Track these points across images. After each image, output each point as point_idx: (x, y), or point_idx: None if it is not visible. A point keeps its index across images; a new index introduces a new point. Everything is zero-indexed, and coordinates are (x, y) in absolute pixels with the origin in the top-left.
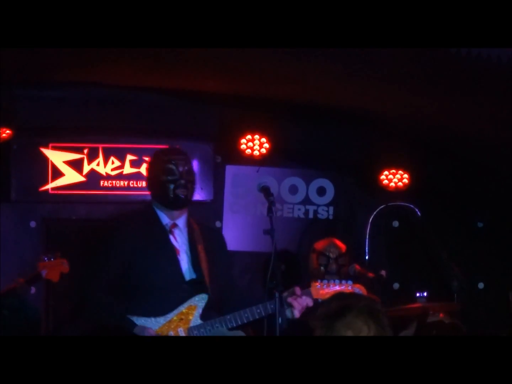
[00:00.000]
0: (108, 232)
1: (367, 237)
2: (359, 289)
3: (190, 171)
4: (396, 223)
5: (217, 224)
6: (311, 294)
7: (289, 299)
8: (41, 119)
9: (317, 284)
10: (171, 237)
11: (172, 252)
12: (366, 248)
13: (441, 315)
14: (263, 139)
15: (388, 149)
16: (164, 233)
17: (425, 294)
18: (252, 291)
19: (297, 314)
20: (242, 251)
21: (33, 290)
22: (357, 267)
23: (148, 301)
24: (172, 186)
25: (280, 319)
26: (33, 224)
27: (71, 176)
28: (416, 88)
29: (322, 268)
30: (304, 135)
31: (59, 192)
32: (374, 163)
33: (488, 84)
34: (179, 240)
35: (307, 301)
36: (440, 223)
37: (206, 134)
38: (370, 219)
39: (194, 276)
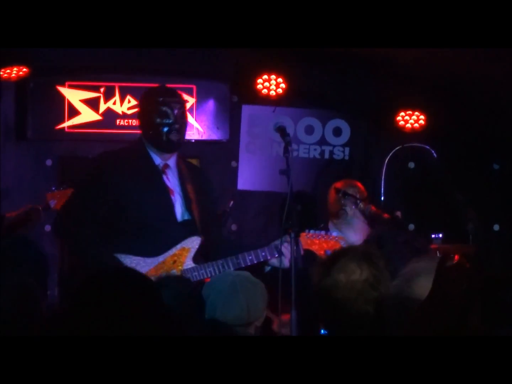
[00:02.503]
0: (96, 167)
1: (383, 178)
2: (343, 240)
3: (184, 113)
4: (412, 164)
5: (233, 164)
6: (301, 243)
7: (281, 247)
8: (58, 58)
9: (305, 234)
10: (164, 177)
11: (166, 192)
12: (382, 189)
13: (456, 257)
14: (280, 79)
15: (404, 90)
16: (157, 173)
17: (440, 235)
18: (268, 231)
19: (286, 262)
20: (257, 191)
21: (48, 228)
22: (373, 208)
23: (139, 240)
24: (165, 129)
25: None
26: (49, 162)
27: (87, 115)
28: None
29: (347, 208)
30: (320, 75)
31: (75, 130)
32: (390, 104)
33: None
34: (172, 181)
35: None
36: (456, 165)
37: (223, 73)
38: (386, 160)
39: (186, 217)
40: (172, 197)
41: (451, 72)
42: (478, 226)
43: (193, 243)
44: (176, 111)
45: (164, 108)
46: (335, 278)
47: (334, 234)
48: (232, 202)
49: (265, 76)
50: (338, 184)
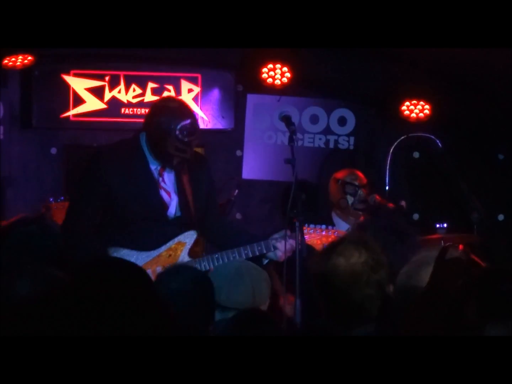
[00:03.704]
0: (92, 167)
1: (388, 167)
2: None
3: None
4: (416, 154)
5: (238, 153)
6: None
7: (274, 242)
8: None
9: (305, 228)
10: (160, 180)
11: (160, 196)
12: (387, 179)
13: (460, 247)
14: (285, 68)
15: (409, 80)
16: (152, 177)
17: (445, 225)
18: (273, 220)
19: (280, 255)
20: (262, 180)
21: None
22: (377, 197)
23: (132, 234)
24: (178, 160)
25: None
26: (54, 150)
27: (92, 103)
28: None
29: (348, 196)
30: (325, 65)
31: (80, 119)
32: (395, 94)
33: None
34: (168, 183)
35: (293, 244)
36: (461, 154)
37: (228, 62)
38: (391, 150)
39: (180, 214)
40: (168, 199)
41: (457, 62)
42: (482, 216)
43: (189, 237)
44: (192, 146)
45: (183, 146)
46: (335, 262)
47: (334, 228)
48: (236, 191)
49: (270, 65)
50: (337, 174)
